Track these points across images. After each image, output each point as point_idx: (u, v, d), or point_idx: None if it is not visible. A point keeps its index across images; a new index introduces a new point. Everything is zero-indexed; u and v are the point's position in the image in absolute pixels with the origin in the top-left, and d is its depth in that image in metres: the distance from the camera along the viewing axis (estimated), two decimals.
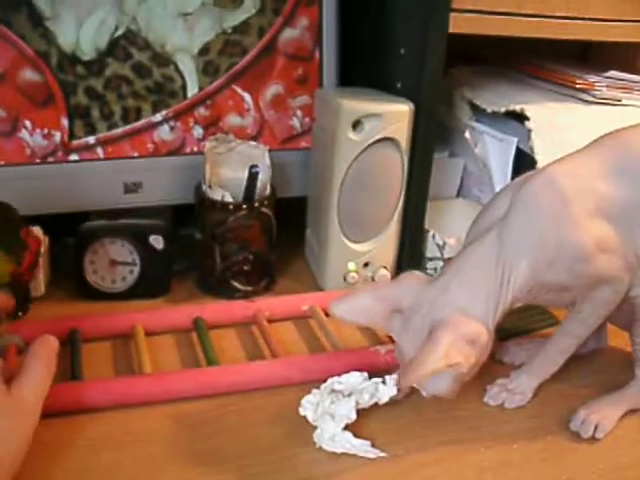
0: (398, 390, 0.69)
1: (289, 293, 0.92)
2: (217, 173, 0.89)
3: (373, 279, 0.93)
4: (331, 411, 0.66)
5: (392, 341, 0.76)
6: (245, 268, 0.89)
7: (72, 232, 0.88)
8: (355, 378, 0.69)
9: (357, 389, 0.69)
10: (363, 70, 1.01)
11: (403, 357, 0.68)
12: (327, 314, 0.85)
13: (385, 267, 0.94)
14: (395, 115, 0.86)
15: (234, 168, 0.89)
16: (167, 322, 0.83)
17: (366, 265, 0.93)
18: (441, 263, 0.94)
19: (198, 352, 0.80)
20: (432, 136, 0.90)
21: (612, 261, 0.67)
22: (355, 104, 0.85)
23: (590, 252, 0.66)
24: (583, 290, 0.69)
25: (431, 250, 0.95)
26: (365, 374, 0.70)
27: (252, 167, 0.85)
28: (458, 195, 1.08)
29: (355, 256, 0.92)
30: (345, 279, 0.93)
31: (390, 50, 0.93)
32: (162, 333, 0.82)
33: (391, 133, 0.86)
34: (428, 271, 0.96)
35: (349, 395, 0.68)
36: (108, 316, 0.82)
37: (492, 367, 0.79)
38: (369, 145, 0.86)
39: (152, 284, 0.90)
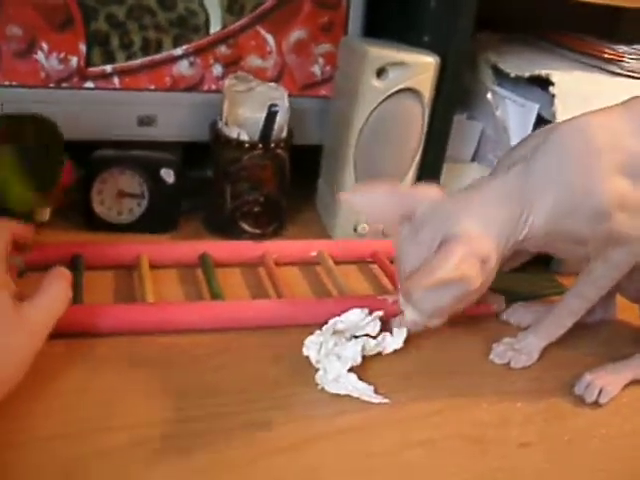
0: (408, 331, 0.69)
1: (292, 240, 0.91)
2: (234, 112, 0.87)
3: (383, 232, 0.92)
4: (336, 352, 0.65)
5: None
6: (255, 210, 0.88)
7: (80, 162, 0.86)
8: (356, 315, 0.69)
9: (359, 326, 0.69)
10: (389, 22, 0.99)
11: (404, 267, 0.66)
12: (336, 262, 0.84)
13: None
14: (421, 66, 0.84)
15: (252, 108, 0.87)
16: (172, 256, 0.82)
17: None
18: None
19: (202, 288, 0.78)
20: (456, 93, 0.88)
21: (632, 221, 0.66)
22: (381, 51, 0.84)
23: (612, 207, 0.65)
24: (599, 247, 0.68)
25: None
26: (366, 310, 0.70)
27: (271, 106, 0.83)
28: (473, 159, 1.06)
29: None
30: (355, 230, 0.91)
31: (419, 2, 0.91)
32: (167, 267, 0.81)
33: (415, 84, 0.84)
34: None
35: (354, 337, 0.68)
36: (113, 245, 0.81)
37: (498, 327, 0.79)
38: (391, 94, 0.85)
39: (159, 219, 0.88)
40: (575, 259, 0.73)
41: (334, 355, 0.65)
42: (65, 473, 0.52)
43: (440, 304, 0.66)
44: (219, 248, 0.83)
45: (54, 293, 0.60)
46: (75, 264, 0.76)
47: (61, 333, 0.61)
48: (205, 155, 0.92)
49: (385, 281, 0.85)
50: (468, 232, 0.63)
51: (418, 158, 0.90)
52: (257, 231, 0.89)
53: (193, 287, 0.79)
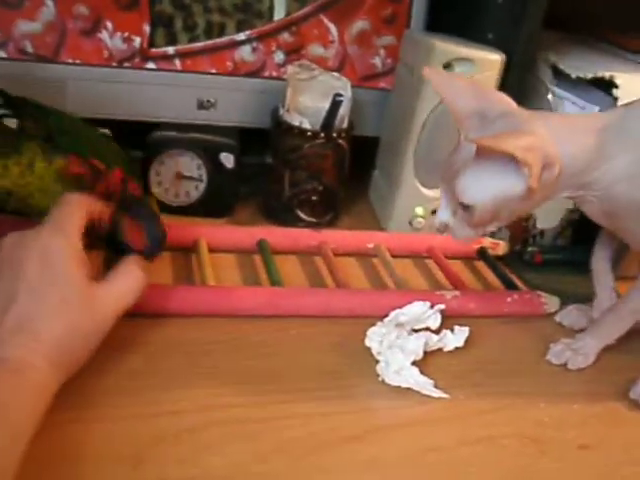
0: (469, 331, 0.69)
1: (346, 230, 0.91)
2: (296, 99, 0.87)
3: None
4: (399, 345, 0.65)
5: (458, 288, 0.75)
6: (313, 198, 0.88)
7: (137, 145, 0.86)
8: (418, 307, 0.69)
9: (420, 319, 0.69)
10: (452, 17, 0.99)
11: (464, 160, 0.63)
12: (391, 255, 0.83)
13: None
14: (487, 63, 0.84)
15: (313, 97, 0.87)
16: (231, 240, 0.82)
17: (433, 212, 0.91)
18: None
19: (260, 274, 0.79)
20: (520, 91, 0.87)
21: None
22: (448, 46, 0.84)
23: None
24: None
25: None
26: (428, 303, 0.70)
27: (336, 95, 0.83)
28: None
29: (424, 201, 0.91)
30: (411, 223, 0.91)
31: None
32: (224, 251, 0.81)
33: (480, 81, 0.84)
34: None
35: (413, 331, 0.68)
36: (172, 227, 0.80)
37: (553, 328, 0.78)
38: None
39: (216, 203, 0.89)
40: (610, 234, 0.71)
41: (397, 347, 0.65)
42: (136, 453, 0.52)
43: (485, 198, 0.63)
44: (277, 234, 0.83)
45: (130, 280, 0.61)
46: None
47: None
48: (260, 141, 0.92)
49: (440, 276, 0.85)
50: (543, 136, 0.61)
51: None
52: (313, 220, 0.89)
53: (250, 272, 0.79)
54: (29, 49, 0.87)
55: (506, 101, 0.65)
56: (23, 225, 0.60)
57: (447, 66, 0.83)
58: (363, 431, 0.59)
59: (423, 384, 0.64)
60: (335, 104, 0.83)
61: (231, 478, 0.52)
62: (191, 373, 0.62)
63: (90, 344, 0.56)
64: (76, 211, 0.60)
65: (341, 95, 0.83)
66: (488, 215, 0.64)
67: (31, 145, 0.68)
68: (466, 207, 0.64)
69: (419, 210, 0.91)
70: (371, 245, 0.85)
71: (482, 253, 0.89)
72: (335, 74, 0.89)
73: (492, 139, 0.59)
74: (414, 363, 0.65)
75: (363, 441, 0.58)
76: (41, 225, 0.58)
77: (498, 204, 0.63)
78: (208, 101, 0.93)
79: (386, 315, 0.68)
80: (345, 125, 0.87)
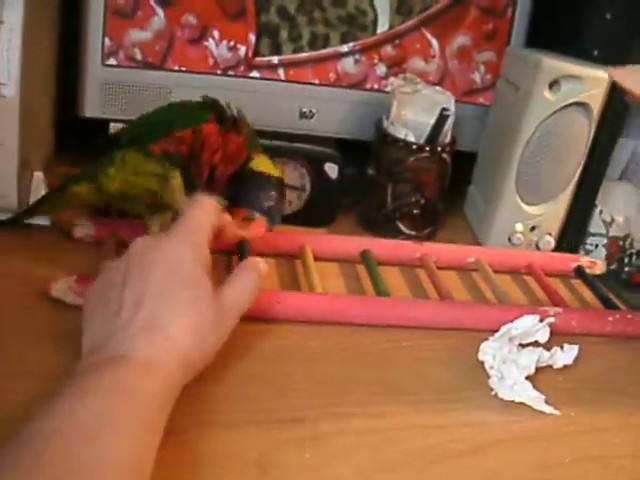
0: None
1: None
2: (399, 112, 0.87)
3: (537, 245, 0.91)
4: (512, 359, 0.65)
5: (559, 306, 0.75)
6: (414, 212, 0.88)
7: None
8: (528, 321, 0.69)
9: (530, 333, 0.69)
10: (553, 33, 0.99)
11: None
12: (492, 270, 0.83)
13: (550, 234, 0.91)
14: (595, 81, 0.84)
15: (416, 110, 0.88)
16: (335, 249, 0.82)
17: (533, 229, 0.91)
18: (604, 240, 0.92)
19: (365, 284, 0.79)
20: (626, 110, 0.87)
21: None
22: (555, 63, 0.84)
23: None
24: None
25: (595, 226, 0.93)
26: (537, 316, 0.69)
27: (444, 109, 0.83)
28: (620, 177, 1.05)
29: (525, 218, 0.91)
30: (510, 240, 0.91)
31: (592, 15, 0.90)
32: (327, 260, 0.82)
33: (586, 98, 0.84)
34: (588, 246, 0.94)
35: (520, 345, 0.68)
36: (277, 234, 0.81)
37: None
38: (562, 107, 0.84)
39: (318, 212, 0.89)
40: None
41: (511, 362, 0.65)
42: (260, 459, 0.53)
43: None
44: (380, 245, 0.84)
45: (248, 281, 0.61)
46: (240, 250, 0.77)
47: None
48: (356, 152, 0.92)
49: (539, 293, 0.84)
50: None
51: (579, 172, 0.89)
52: (412, 233, 0.90)
53: (355, 282, 0.80)
54: (138, 56, 0.89)
55: None
56: (139, 227, 0.62)
57: (554, 83, 0.83)
58: (480, 444, 0.59)
59: (536, 399, 0.64)
60: (442, 118, 0.84)
61: None
62: (308, 381, 0.63)
63: (215, 345, 0.57)
64: (206, 216, 0.61)
65: (448, 110, 0.84)
66: None
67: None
68: None
69: (519, 226, 0.91)
70: (471, 259, 0.85)
71: (580, 271, 0.88)
72: (438, 88, 0.90)
73: None
74: (527, 378, 0.65)
75: (480, 454, 0.58)
76: (172, 228, 0.60)
77: None
78: (310, 111, 0.94)
79: (495, 329, 0.68)
80: (448, 139, 0.87)
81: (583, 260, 0.90)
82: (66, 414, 0.44)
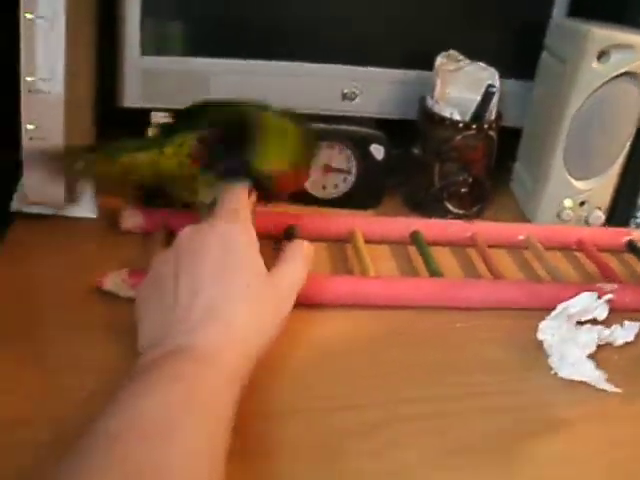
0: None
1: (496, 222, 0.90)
2: (443, 90, 0.86)
3: (587, 220, 0.90)
4: (571, 337, 0.65)
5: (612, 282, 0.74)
6: (462, 190, 0.87)
7: None
8: (586, 299, 0.68)
9: (588, 310, 0.67)
10: (596, 2, 0.96)
11: None
12: (544, 246, 0.82)
13: (599, 208, 0.90)
14: None
15: (460, 88, 0.87)
16: (384, 231, 0.82)
17: (582, 204, 0.90)
18: None
19: (416, 265, 0.79)
20: None
21: None
22: (604, 32, 0.82)
23: None
24: None
25: None
26: (595, 293, 0.68)
27: (489, 86, 0.82)
28: None
29: (574, 193, 0.89)
30: (559, 216, 0.90)
31: None
32: (377, 242, 0.81)
33: (637, 68, 0.82)
34: (639, 220, 0.92)
35: (578, 323, 0.67)
36: (326, 217, 0.82)
37: None
38: (611, 78, 0.82)
39: (364, 195, 0.89)
40: None
41: (571, 341, 0.64)
42: (328, 446, 0.53)
43: None
44: (429, 226, 0.83)
45: (298, 263, 0.60)
46: (289, 235, 0.77)
47: None
48: (398, 131, 0.91)
49: (592, 270, 0.83)
50: None
51: (629, 145, 0.87)
52: (460, 212, 0.89)
53: (406, 263, 0.79)
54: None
55: None
56: (188, 217, 0.62)
57: (602, 54, 0.81)
58: (546, 425, 0.59)
59: (597, 378, 0.63)
60: (488, 95, 0.82)
61: (429, 473, 0.52)
62: (368, 367, 0.63)
63: (273, 330, 0.55)
64: (243, 200, 0.61)
65: (494, 86, 0.82)
66: None
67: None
68: None
69: (568, 202, 0.89)
70: (522, 237, 0.84)
71: (631, 246, 0.87)
72: (482, 64, 0.88)
73: None
74: (588, 356, 0.64)
75: (550, 436, 0.57)
76: (216, 213, 0.59)
77: None
78: (352, 92, 0.93)
79: (550, 308, 0.67)
80: (494, 116, 0.86)
81: (635, 234, 0.88)
82: (131, 412, 0.43)
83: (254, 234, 0.59)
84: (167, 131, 0.71)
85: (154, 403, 0.44)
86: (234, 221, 0.58)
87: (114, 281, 0.66)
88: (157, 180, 0.71)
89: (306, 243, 0.63)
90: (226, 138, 0.66)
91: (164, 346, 0.50)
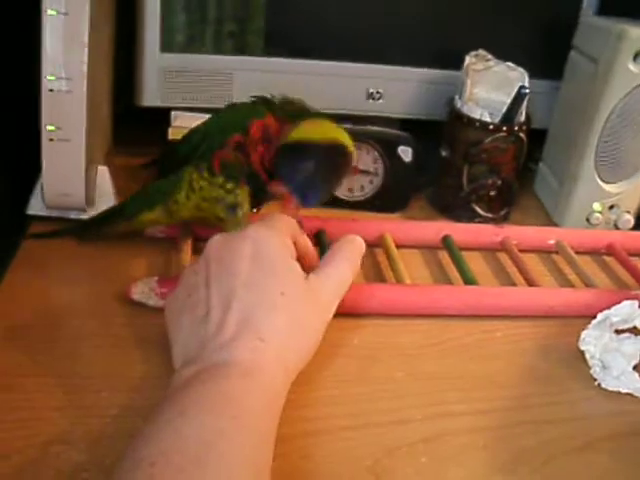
0: None
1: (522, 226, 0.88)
2: (471, 91, 0.85)
3: (616, 224, 0.89)
4: (615, 347, 0.63)
5: None
6: (491, 193, 0.86)
7: None
8: (628, 307, 0.66)
9: (629, 319, 0.66)
10: (626, 1, 0.94)
11: None
12: (574, 250, 0.81)
13: (629, 212, 0.89)
14: None
15: (488, 88, 0.85)
16: (415, 236, 0.80)
17: (611, 208, 0.89)
18: None
19: (449, 272, 0.77)
20: None
21: None
22: None
23: None
24: None
25: None
26: (636, 302, 0.66)
27: (521, 87, 0.81)
28: None
29: (603, 196, 0.88)
30: (588, 220, 0.88)
31: None
32: (408, 247, 0.80)
33: None
34: None
35: (615, 332, 0.66)
36: (355, 221, 0.80)
37: None
38: None
39: (392, 197, 0.87)
40: None
41: (615, 351, 0.63)
42: (373, 465, 0.51)
43: None
44: (460, 230, 0.82)
45: (343, 264, 0.58)
46: (318, 239, 0.75)
47: None
48: (423, 132, 0.89)
49: (622, 275, 0.82)
50: None
51: None
52: (489, 215, 0.87)
53: (438, 269, 0.78)
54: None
55: None
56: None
57: (638, 54, 0.79)
58: (592, 439, 0.57)
59: None
60: (519, 96, 0.81)
61: None
62: (408, 379, 0.61)
63: (313, 339, 0.53)
64: (285, 221, 0.59)
65: (526, 88, 0.81)
66: None
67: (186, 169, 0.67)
68: None
69: (596, 206, 0.88)
70: (552, 241, 0.83)
71: None
72: (511, 64, 0.86)
73: None
74: (634, 368, 0.63)
75: (594, 450, 0.56)
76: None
77: None
78: (378, 92, 0.91)
79: (587, 315, 0.66)
80: (523, 118, 0.84)
81: None
82: (171, 436, 0.41)
83: (288, 239, 0.57)
84: (167, 170, 0.70)
85: (193, 426, 0.42)
86: (267, 225, 0.56)
87: (143, 290, 0.64)
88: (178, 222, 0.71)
89: (359, 240, 0.60)
90: (321, 162, 0.64)
91: (200, 363, 0.47)
